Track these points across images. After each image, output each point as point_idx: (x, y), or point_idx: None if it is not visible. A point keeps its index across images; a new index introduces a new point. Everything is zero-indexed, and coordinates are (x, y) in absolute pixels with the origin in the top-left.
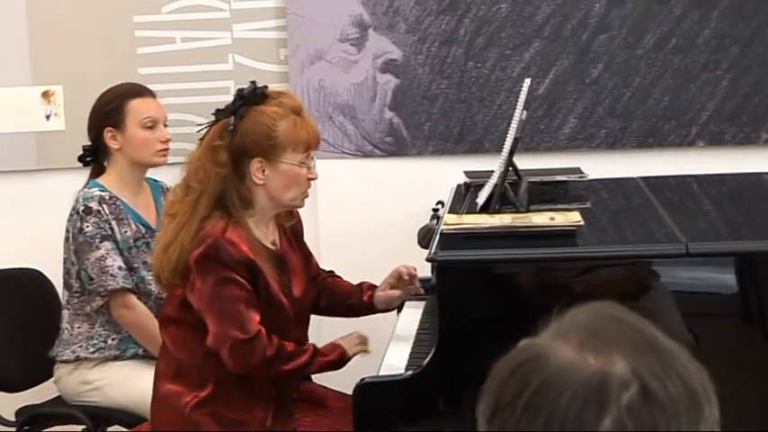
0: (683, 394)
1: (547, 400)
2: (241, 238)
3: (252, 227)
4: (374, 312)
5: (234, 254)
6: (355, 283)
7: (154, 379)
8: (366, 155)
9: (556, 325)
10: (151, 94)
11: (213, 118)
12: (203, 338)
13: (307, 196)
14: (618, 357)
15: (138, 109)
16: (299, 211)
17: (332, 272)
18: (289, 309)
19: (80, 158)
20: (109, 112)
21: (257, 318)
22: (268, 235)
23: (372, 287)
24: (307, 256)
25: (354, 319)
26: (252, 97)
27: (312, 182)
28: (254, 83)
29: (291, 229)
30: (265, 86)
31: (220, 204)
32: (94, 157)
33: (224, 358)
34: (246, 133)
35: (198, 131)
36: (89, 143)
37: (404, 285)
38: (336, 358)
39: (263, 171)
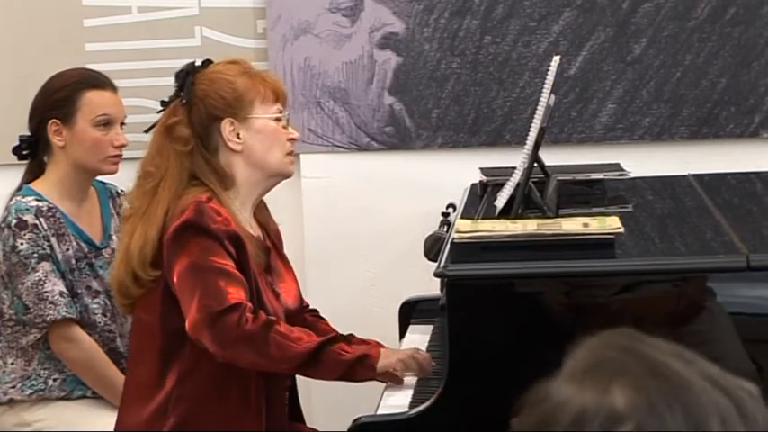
0: (684, 428)
1: None
2: (225, 211)
3: (236, 211)
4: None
5: (219, 221)
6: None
7: (119, 408)
8: (362, 148)
9: (567, 361)
10: (112, 87)
11: (156, 118)
12: (182, 348)
13: (293, 161)
14: (616, 390)
15: (93, 103)
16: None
17: (315, 310)
18: (275, 306)
19: (15, 151)
20: (58, 101)
21: (241, 292)
22: (253, 227)
23: (363, 342)
24: (292, 273)
25: None
26: (195, 67)
27: (294, 142)
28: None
29: (275, 235)
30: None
31: (197, 181)
32: (33, 152)
33: (205, 340)
34: (206, 95)
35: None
36: (28, 133)
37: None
38: (355, 359)
39: (238, 134)
